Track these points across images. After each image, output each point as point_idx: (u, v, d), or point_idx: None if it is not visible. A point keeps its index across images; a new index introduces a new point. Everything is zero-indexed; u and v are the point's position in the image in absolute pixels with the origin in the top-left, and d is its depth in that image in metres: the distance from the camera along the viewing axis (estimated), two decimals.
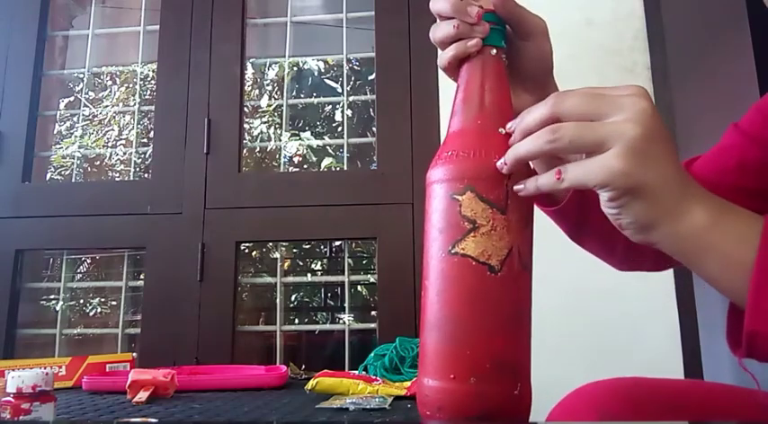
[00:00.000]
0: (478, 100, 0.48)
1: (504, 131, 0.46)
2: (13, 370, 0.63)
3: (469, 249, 0.43)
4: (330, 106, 2.70)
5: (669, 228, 0.41)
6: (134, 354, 1.05)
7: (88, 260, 2.46)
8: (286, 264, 2.47)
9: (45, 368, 0.79)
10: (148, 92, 2.02)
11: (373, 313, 1.93)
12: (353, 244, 1.81)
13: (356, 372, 0.86)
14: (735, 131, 0.67)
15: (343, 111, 1.95)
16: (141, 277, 1.78)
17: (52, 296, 1.96)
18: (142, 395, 0.77)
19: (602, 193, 0.41)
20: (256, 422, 0.69)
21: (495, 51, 0.49)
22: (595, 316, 1.41)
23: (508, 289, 0.43)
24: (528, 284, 0.45)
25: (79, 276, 2.39)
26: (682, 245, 0.41)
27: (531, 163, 0.46)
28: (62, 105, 2.16)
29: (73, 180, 2.01)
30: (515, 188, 0.44)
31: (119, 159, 2.46)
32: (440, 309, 0.44)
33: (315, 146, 2.46)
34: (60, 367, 0.93)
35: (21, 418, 0.59)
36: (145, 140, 2.07)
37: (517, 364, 0.44)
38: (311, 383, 0.82)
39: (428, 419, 0.44)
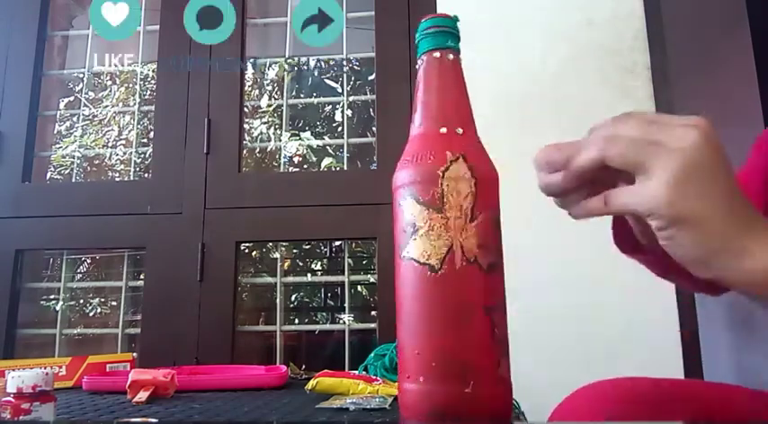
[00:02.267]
0: (422, 105, 0.50)
1: (445, 130, 0.47)
2: (14, 370, 0.63)
3: (412, 251, 0.45)
4: (330, 106, 2.70)
5: (727, 264, 0.39)
6: (134, 354, 1.05)
7: (88, 260, 2.46)
8: (286, 264, 2.47)
9: (45, 368, 0.79)
10: (148, 92, 2.02)
11: (373, 313, 1.93)
12: (353, 244, 1.81)
13: (356, 372, 0.86)
14: (760, 148, 0.67)
15: (343, 111, 1.95)
16: (141, 277, 1.78)
17: (52, 296, 1.96)
18: (142, 395, 0.77)
19: (650, 222, 0.40)
20: (256, 422, 0.69)
21: (438, 54, 0.50)
22: (594, 316, 1.41)
23: (450, 287, 0.44)
24: (478, 279, 0.44)
25: (79, 276, 2.39)
26: (746, 283, 0.39)
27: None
28: (62, 105, 2.16)
29: (73, 180, 2.01)
30: (572, 212, 0.45)
31: (119, 159, 2.46)
32: (398, 312, 0.46)
33: (315, 146, 2.46)
34: (60, 367, 0.93)
35: (21, 418, 0.59)
36: (145, 140, 2.07)
37: (467, 362, 0.43)
38: (311, 383, 0.82)
39: (407, 420, 0.45)
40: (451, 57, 0.50)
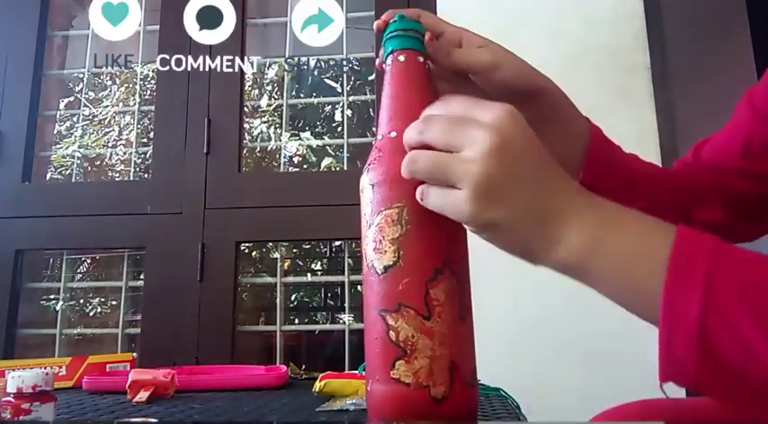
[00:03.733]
0: (380, 111, 0.50)
1: (395, 134, 0.47)
2: (14, 370, 0.63)
3: (366, 252, 0.46)
4: (330, 106, 2.70)
5: (545, 261, 0.40)
6: (134, 354, 1.05)
7: (88, 260, 2.46)
8: (286, 264, 2.47)
9: (45, 368, 0.79)
10: (148, 92, 2.02)
11: None
12: (353, 244, 1.81)
13: (357, 371, 0.86)
14: (747, 106, 0.65)
15: (343, 111, 1.96)
16: (141, 277, 1.78)
17: (52, 296, 1.96)
18: (142, 395, 0.77)
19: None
20: (256, 422, 0.69)
21: (390, 60, 0.50)
22: (593, 315, 1.41)
23: (388, 283, 0.45)
24: (373, 283, 0.46)
25: (79, 276, 2.39)
26: (568, 274, 0.40)
27: None
28: (62, 105, 2.16)
29: (73, 180, 2.01)
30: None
31: (119, 159, 2.46)
32: None
33: (315, 146, 2.46)
34: (60, 367, 0.93)
35: (21, 418, 0.59)
36: (145, 140, 2.07)
37: (369, 363, 0.45)
38: (318, 384, 0.81)
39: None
40: (402, 58, 0.50)
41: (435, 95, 0.49)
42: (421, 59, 0.51)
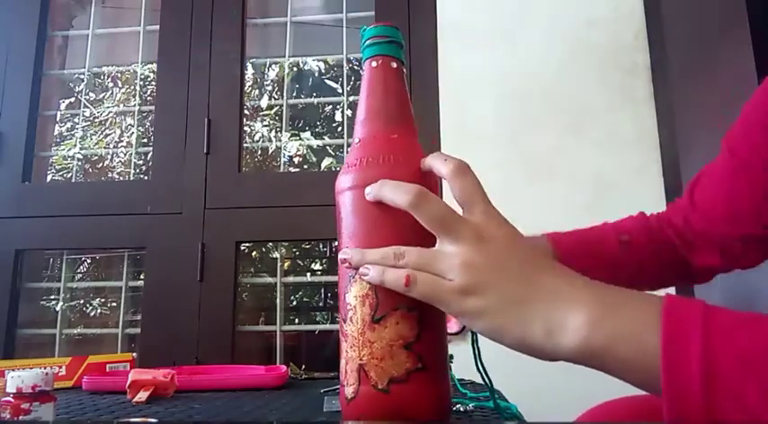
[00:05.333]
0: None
1: (357, 141, 0.50)
2: (13, 370, 0.63)
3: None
4: (330, 106, 2.70)
5: (543, 345, 0.39)
6: (134, 354, 1.05)
7: (88, 260, 2.46)
8: (286, 264, 2.47)
9: (45, 368, 0.79)
10: (149, 92, 2.02)
11: None
12: None
13: None
14: (725, 149, 0.68)
15: (343, 111, 1.95)
16: (141, 277, 1.78)
17: (52, 296, 1.96)
18: (142, 395, 0.77)
19: None
20: (256, 422, 0.69)
21: (366, 64, 0.52)
22: None
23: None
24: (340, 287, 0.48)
25: (79, 276, 2.39)
26: (567, 356, 0.39)
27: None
28: (63, 106, 2.16)
29: (73, 180, 2.01)
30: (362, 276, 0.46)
31: (120, 161, 2.46)
32: None
33: (315, 146, 2.46)
34: (60, 367, 0.93)
35: (21, 418, 0.58)
36: (145, 140, 2.07)
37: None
38: None
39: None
40: (375, 64, 0.51)
41: (404, 97, 0.51)
42: (394, 65, 0.52)
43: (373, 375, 0.44)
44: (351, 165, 0.49)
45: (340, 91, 2.12)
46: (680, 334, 0.34)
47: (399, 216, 0.44)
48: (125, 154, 2.31)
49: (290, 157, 2.42)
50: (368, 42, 0.52)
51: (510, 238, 0.42)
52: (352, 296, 0.46)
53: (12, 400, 0.59)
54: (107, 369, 0.97)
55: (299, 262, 2.82)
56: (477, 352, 0.52)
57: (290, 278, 2.14)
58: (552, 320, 0.38)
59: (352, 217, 0.47)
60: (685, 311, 0.35)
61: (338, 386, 0.83)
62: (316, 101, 2.42)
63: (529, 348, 0.39)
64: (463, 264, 0.40)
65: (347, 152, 1.97)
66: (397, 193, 0.43)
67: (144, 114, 2.02)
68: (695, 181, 0.72)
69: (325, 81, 2.53)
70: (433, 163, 0.46)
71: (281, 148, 2.00)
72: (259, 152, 2.32)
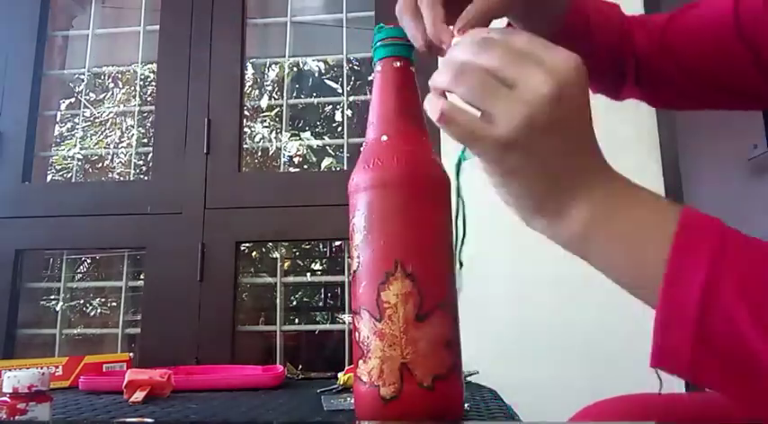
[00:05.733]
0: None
1: (385, 138, 0.50)
2: (10, 370, 0.63)
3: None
4: (330, 106, 2.70)
5: (545, 224, 0.39)
6: (131, 354, 1.05)
7: (88, 260, 2.46)
8: (286, 264, 2.47)
9: (41, 368, 0.79)
10: (149, 92, 2.02)
11: None
12: None
13: None
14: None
15: (343, 111, 1.95)
16: (141, 277, 1.78)
17: (52, 296, 1.96)
18: (139, 395, 0.77)
19: (480, 163, 0.39)
20: (254, 422, 0.69)
21: (379, 66, 0.52)
22: (592, 314, 1.41)
23: (354, 287, 0.49)
24: (354, 286, 0.49)
25: (79, 276, 2.40)
26: (568, 246, 0.39)
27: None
28: (63, 106, 2.16)
29: (73, 180, 2.01)
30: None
31: (120, 162, 2.47)
32: None
33: (315, 146, 2.46)
34: (57, 367, 0.93)
35: (17, 418, 0.59)
36: (145, 140, 2.07)
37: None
38: (343, 378, 0.82)
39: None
40: (397, 64, 0.52)
41: (416, 99, 0.51)
42: (412, 69, 0.52)
43: (418, 373, 0.45)
44: (375, 163, 0.49)
45: (340, 91, 2.12)
46: (691, 250, 0.34)
47: (419, 214, 0.45)
48: (125, 155, 2.31)
49: (290, 157, 2.42)
50: (388, 41, 0.52)
51: (583, 96, 0.38)
52: (392, 294, 0.45)
53: (8, 400, 0.59)
54: (104, 369, 0.97)
55: (299, 262, 2.82)
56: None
57: (290, 278, 2.14)
58: (562, 202, 0.38)
59: (375, 215, 0.48)
60: (701, 229, 0.35)
61: (334, 386, 0.83)
62: (316, 101, 2.42)
63: (536, 219, 0.39)
64: (527, 119, 0.35)
65: (347, 152, 1.95)
66: (458, 51, 0.39)
67: (144, 114, 2.02)
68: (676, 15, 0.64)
69: (325, 81, 2.53)
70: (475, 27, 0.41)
71: (281, 148, 2.00)
72: (259, 153, 2.33)
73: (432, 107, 0.38)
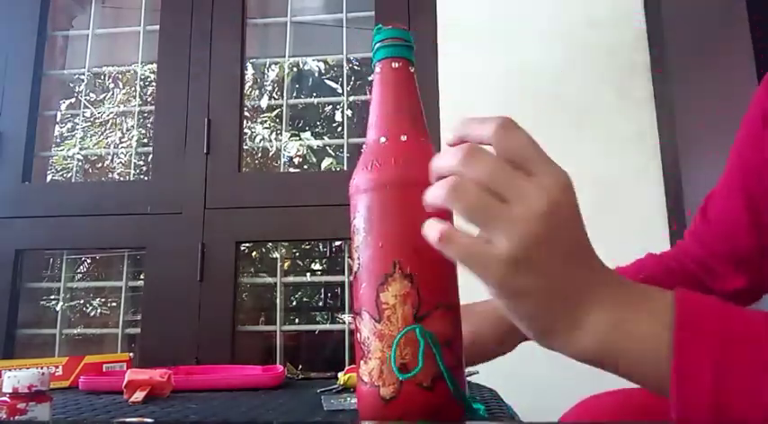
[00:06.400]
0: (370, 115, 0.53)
1: (384, 140, 0.49)
2: (10, 370, 0.63)
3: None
4: (330, 106, 2.70)
5: (557, 343, 0.38)
6: (131, 354, 1.05)
7: (88, 260, 2.46)
8: (286, 264, 2.47)
9: (41, 368, 0.79)
10: (149, 92, 2.02)
11: None
12: None
13: None
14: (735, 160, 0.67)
15: (343, 111, 1.95)
16: (141, 277, 1.78)
17: (52, 296, 1.96)
18: (138, 395, 0.77)
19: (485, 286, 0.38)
20: (254, 422, 0.69)
21: (378, 67, 0.52)
22: None
23: (355, 288, 0.49)
24: (354, 287, 0.49)
25: (79, 276, 2.40)
26: (580, 359, 0.38)
27: None
28: (63, 106, 2.16)
29: (73, 180, 2.01)
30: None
31: (120, 162, 2.47)
32: None
33: (315, 147, 2.46)
34: (57, 367, 0.93)
35: (17, 418, 0.58)
36: (145, 140, 2.07)
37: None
38: (343, 378, 0.82)
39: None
40: (396, 65, 0.51)
41: (416, 100, 0.51)
42: (412, 69, 0.52)
43: (418, 372, 0.45)
44: (374, 165, 0.49)
45: (340, 91, 2.12)
46: (693, 342, 0.34)
47: (418, 215, 0.44)
48: (125, 155, 2.31)
49: (290, 157, 2.42)
50: (388, 42, 0.52)
51: (575, 209, 0.37)
52: (391, 295, 0.46)
53: (8, 400, 0.59)
54: (104, 369, 0.97)
55: (299, 262, 2.82)
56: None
57: (290, 278, 2.14)
58: (576, 318, 0.37)
59: (374, 216, 0.48)
60: (698, 314, 0.35)
61: (335, 386, 0.83)
62: (316, 101, 2.42)
63: (550, 340, 0.38)
64: (527, 236, 0.35)
65: (347, 152, 1.96)
66: (445, 161, 0.38)
67: (144, 114, 2.02)
68: (705, 202, 0.71)
69: (325, 81, 2.53)
70: (466, 129, 0.39)
71: (281, 148, 2.00)
72: (259, 153, 2.33)
73: (430, 230, 0.38)
